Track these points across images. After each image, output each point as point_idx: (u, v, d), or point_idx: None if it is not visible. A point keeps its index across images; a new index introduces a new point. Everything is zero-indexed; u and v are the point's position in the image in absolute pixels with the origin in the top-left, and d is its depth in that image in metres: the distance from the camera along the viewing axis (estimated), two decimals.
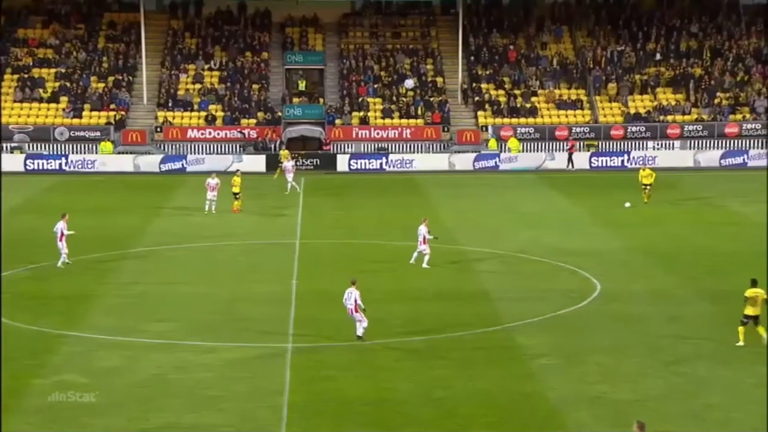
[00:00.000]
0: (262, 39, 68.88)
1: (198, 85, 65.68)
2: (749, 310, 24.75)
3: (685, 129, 63.06)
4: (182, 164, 59.93)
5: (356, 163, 60.44)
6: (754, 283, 25.19)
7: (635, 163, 56.41)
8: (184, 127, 62.91)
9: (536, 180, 55.88)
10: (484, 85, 66.25)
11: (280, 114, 63.59)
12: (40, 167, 59.33)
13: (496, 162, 60.64)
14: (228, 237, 39.26)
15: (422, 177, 56.98)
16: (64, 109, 63.54)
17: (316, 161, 60.61)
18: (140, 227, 41.16)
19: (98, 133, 61.88)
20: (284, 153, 57.04)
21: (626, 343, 25.17)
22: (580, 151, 61.47)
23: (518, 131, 62.70)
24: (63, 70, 65.83)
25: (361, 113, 64.06)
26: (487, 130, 63.05)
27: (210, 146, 62.05)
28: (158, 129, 62.61)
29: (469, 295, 30.06)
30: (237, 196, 44.49)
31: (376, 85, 65.99)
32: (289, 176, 50.87)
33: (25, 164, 59.20)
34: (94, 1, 70.70)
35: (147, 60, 65.31)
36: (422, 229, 33.30)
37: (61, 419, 20.30)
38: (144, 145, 61.81)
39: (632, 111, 64.69)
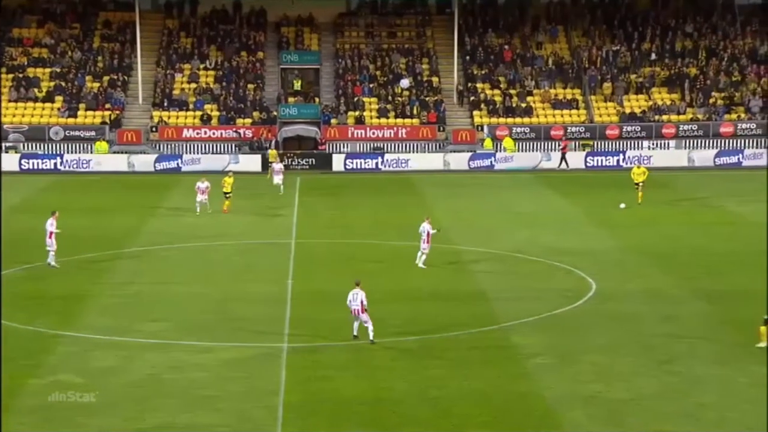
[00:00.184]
0: (257, 38, 68.87)
1: (193, 85, 65.66)
2: None
3: (680, 129, 63.16)
4: (177, 164, 59.91)
5: (352, 162, 60.46)
6: None
7: (630, 163, 56.44)
8: (179, 126, 62.88)
9: (532, 179, 55.94)
10: (479, 85, 66.30)
11: (275, 113, 63.58)
12: (35, 167, 59.27)
13: (491, 162, 60.68)
14: (223, 237, 39.25)
15: (418, 177, 57.02)
16: (59, 109, 63.48)
17: (312, 161, 60.62)
18: (135, 227, 41.15)
19: (93, 133, 61.83)
20: (272, 153, 56.99)
21: (621, 342, 25.22)
22: (575, 150, 61.59)
23: (514, 131, 62.75)
24: (58, 70, 65.77)
25: (357, 113, 64.07)
26: (482, 129, 63.10)
27: (205, 146, 62.03)
28: (153, 129, 62.57)
29: (464, 294, 30.09)
30: (227, 196, 44.24)
31: (371, 85, 66.00)
32: (277, 177, 50.37)
33: (20, 164, 59.14)
34: (89, 1, 70.66)
35: (142, 59, 65.27)
36: (425, 227, 33.14)
37: (56, 419, 20.30)
38: (139, 145, 61.79)
39: (627, 111, 64.77)
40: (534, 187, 52.99)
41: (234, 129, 62.85)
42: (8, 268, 32.41)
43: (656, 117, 64.15)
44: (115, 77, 65.42)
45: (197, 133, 62.53)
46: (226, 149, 61.78)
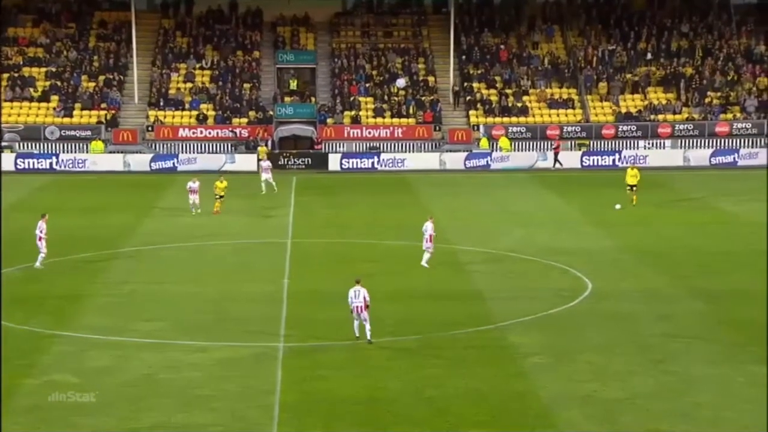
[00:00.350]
0: (253, 38, 68.83)
1: (189, 84, 65.60)
2: None
3: (676, 128, 63.22)
4: (173, 163, 59.85)
5: (348, 162, 60.44)
6: None
7: (626, 163, 56.51)
8: (175, 126, 62.83)
9: (527, 179, 55.95)
10: (475, 85, 66.31)
11: (271, 113, 63.56)
12: (31, 166, 59.19)
13: (487, 161, 60.70)
14: (219, 236, 39.21)
15: (414, 176, 57.01)
16: (54, 108, 63.40)
17: (308, 160, 60.59)
18: (131, 226, 41.10)
19: (89, 133, 61.77)
20: (261, 150, 56.82)
21: (617, 341, 25.22)
22: (571, 150, 61.62)
23: (509, 130, 62.76)
24: (53, 69, 65.68)
25: (353, 112, 64.05)
26: (478, 129, 63.11)
27: (201, 145, 61.98)
28: (149, 128, 62.52)
29: (460, 294, 30.08)
30: (219, 198, 43.60)
31: (367, 84, 66.00)
32: (265, 175, 49.96)
33: (16, 164, 59.05)
34: (84, 0, 70.56)
35: (138, 59, 65.21)
36: (428, 227, 32.97)
37: (51, 419, 20.26)
38: (135, 145, 61.73)
39: (623, 110, 64.82)
40: (530, 187, 53.00)
41: (230, 129, 62.81)
42: (4, 268, 32.32)
43: (652, 116, 64.20)
44: (111, 77, 65.35)
45: (193, 133, 62.49)
46: (222, 149, 61.73)
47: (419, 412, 20.58)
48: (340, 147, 62.35)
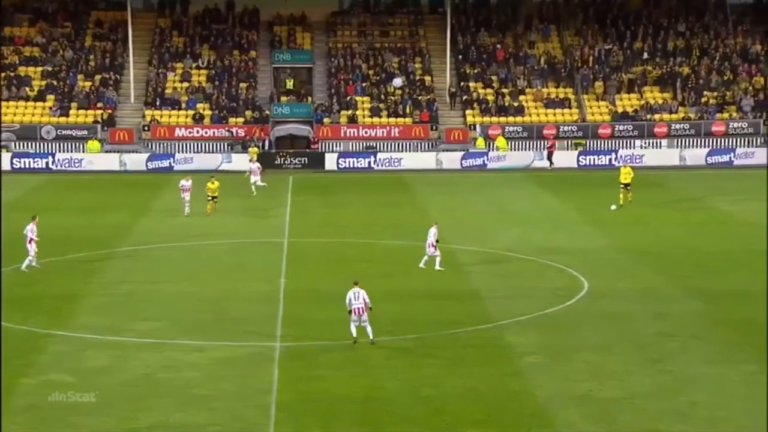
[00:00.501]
0: (249, 37, 68.80)
1: (185, 84, 65.58)
2: None
3: (672, 128, 63.30)
4: (170, 163, 59.84)
5: (344, 161, 60.45)
6: None
7: (622, 162, 56.51)
8: (171, 125, 62.80)
9: (524, 178, 56.00)
10: (472, 84, 66.34)
11: (268, 113, 63.55)
12: (27, 166, 59.15)
13: (483, 161, 60.73)
14: (216, 236, 39.20)
15: (410, 176, 57.04)
16: (50, 108, 63.35)
17: (304, 160, 60.60)
18: (127, 226, 41.07)
19: (85, 132, 61.73)
20: (252, 151, 56.70)
21: (613, 341, 25.25)
22: (567, 149, 61.68)
23: (506, 130, 62.81)
24: (50, 69, 65.63)
25: (350, 112, 64.05)
26: (475, 128, 63.15)
27: (198, 145, 61.96)
28: (146, 128, 62.49)
29: (457, 293, 30.10)
30: (211, 200, 43.28)
31: (364, 84, 66.00)
32: (254, 177, 49.73)
33: (12, 163, 59.01)
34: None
35: (134, 58, 65.17)
36: (432, 232, 32.74)
37: (49, 419, 20.25)
38: (131, 144, 61.69)
39: (620, 110, 64.88)
40: (526, 186, 53.04)
41: (226, 128, 62.80)
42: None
43: (648, 116, 64.26)
44: (107, 76, 65.30)
45: (189, 132, 62.46)
46: (218, 148, 61.71)
47: (416, 412, 20.59)
48: (336, 146, 62.37)
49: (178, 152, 60.86)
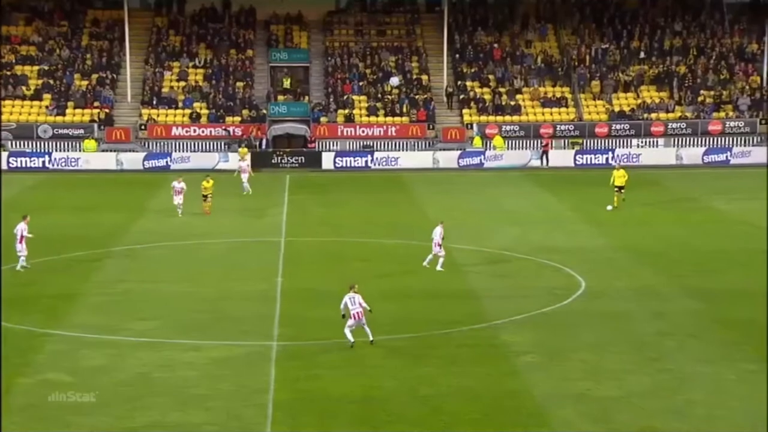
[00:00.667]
0: (246, 36, 68.78)
1: (182, 83, 65.54)
2: None
3: (669, 127, 63.35)
4: (166, 162, 59.80)
5: (341, 160, 60.44)
6: None
7: (619, 161, 56.58)
8: (168, 124, 62.76)
9: (521, 177, 56.02)
10: (468, 83, 66.35)
11: (264, 112, 63.52)
12: (23, 165, 59.09)
13: (480, 160, 60.74)
14: (212, 235, 39.18)
15: (407, 175, 57.05)
16: (47, 107, 63.29)
17: (301, 159, 60.58)
18: (124, 225, 41.04)
19: (82, 131, 61.68)
20: (242, 150, 56.56)
21: (610, 339, 25.26)
22: (564, 148, 61.72)
23: (503, 129, 62.83)
24: (46, 68, 65.56)
25: (346, 111, 64.04)
26: (472, 127, 63.17)
27: (194, 144, 61.93)
28: (142, 127, 62.44)
29: (455, 292, 30.09)
30: (207, 199, 43.22)
31: (361, 83, 65.99)
32: (243, 176, 49.55)
33: (8, 162, 58.95)
34: None
35: (131, 57, 65.12)
36: (438, 231, 32.66)
37: (46, 418, 20.23)
38: (128, 143, 61.66)
39: (616, 109, 64.92)
40: (523, 185, 53.07)
41: (223, 127, 62.76)
42: None
43: (645, 115, 64.31)
44: (104, 75, 65.25)
45: (186, 131, 62.43)
46: (215, 147, 61.67)
47: (414, 411, 20.59)
48: (333, 145, 62.37)
49: (175, 151, 60.82)
